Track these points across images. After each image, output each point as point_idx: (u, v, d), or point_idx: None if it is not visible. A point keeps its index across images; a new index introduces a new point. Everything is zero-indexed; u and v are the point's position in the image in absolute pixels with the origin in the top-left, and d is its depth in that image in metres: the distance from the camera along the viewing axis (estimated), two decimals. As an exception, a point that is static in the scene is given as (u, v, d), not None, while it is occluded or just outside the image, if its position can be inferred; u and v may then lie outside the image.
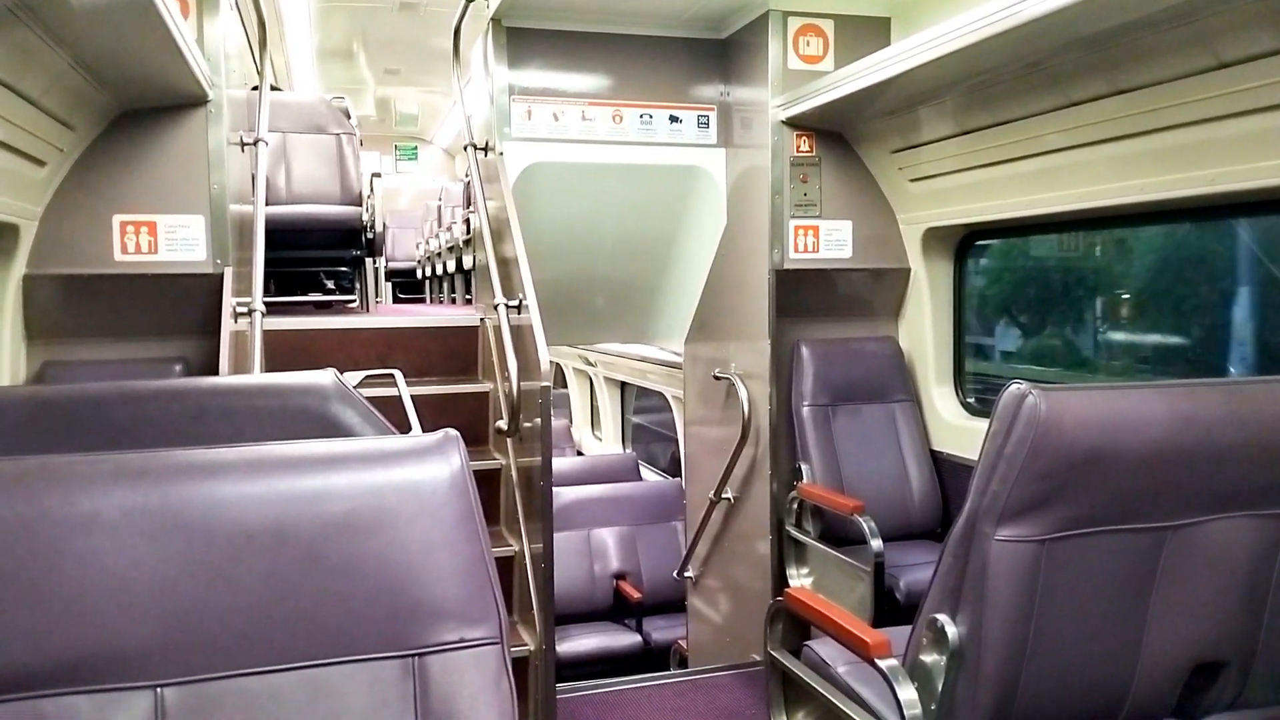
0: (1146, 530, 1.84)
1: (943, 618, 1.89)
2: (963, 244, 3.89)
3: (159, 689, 1.02)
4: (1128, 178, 2.79)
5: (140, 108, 3.09)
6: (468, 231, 6.73)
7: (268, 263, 3.39)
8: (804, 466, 3.76)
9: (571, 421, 9.75)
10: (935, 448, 3.90)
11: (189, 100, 3.12)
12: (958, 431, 3.81)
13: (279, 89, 7.35)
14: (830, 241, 3.87)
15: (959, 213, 3.61)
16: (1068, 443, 1.76)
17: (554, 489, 3.38)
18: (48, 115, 2.63)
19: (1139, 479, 1.81)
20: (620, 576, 6.13)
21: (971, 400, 3.91)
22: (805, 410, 3.81)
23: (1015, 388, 1.78)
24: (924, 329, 3.94)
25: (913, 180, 3.74)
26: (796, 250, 3.83)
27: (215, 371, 3.01)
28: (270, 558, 1.06)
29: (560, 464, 7.08)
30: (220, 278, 3.18)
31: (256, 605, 1.05)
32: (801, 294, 3.89)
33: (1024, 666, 1.84)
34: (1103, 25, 2.42)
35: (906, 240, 3.93)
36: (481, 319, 4.29)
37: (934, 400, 3.91)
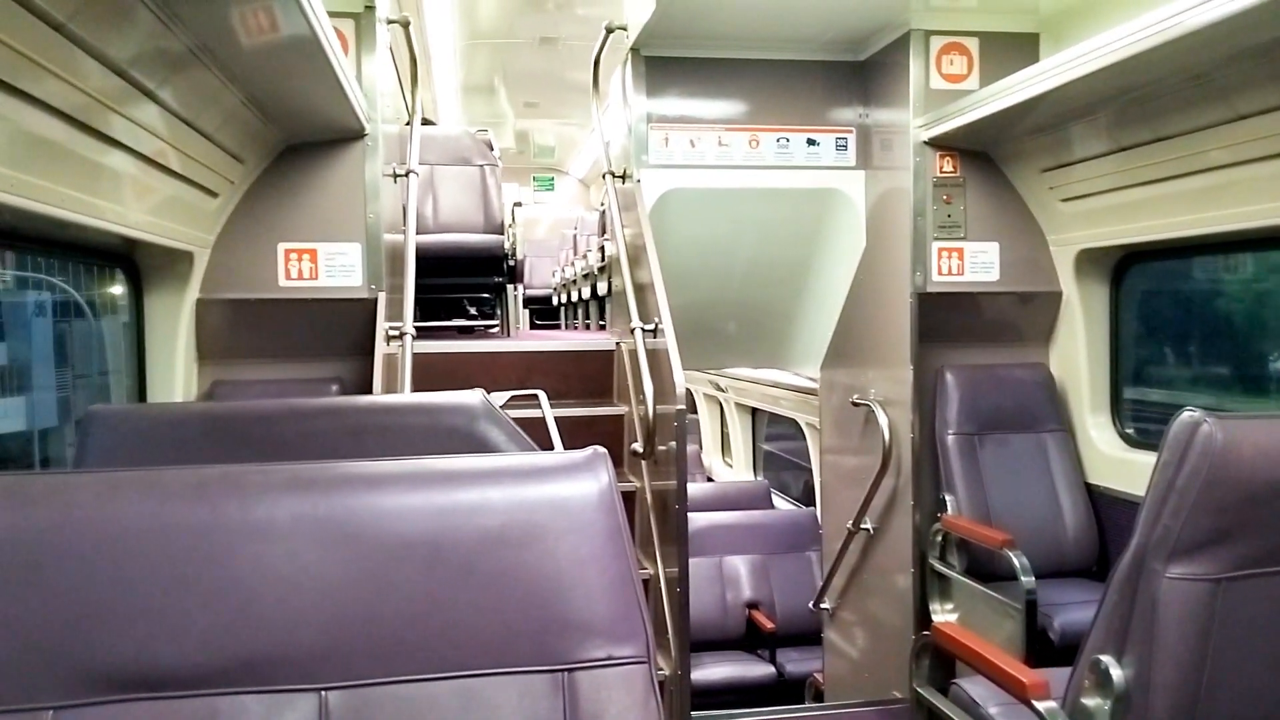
0: (1338, 572, 1.69)
1: (1107, 659, 1.78)
2: (1119, 266, 3.70)
3: (323, 692, 1.06)
4: None
5: (304, 142, 3.28)
6: (602, 259, 6.84)
7: (415, 289, 3.53)
8: (948, 497, 3.63)
9: (701, 448, 9.73)
10: (1090, 480, 3.69)
11: (348, 134, 3.29)
12: (1116, 464, 3.60)
13: (431, 123, 7.69)
14: (976, 264, 3.74)
15: (1115, 233, 3.44)
16: (1246, 474, 1.64)
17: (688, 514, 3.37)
18: (221, 149, 2.83)
19: None
20: (753, 606, 6.05)
21: (1130, 431, 3.69)
22: (950, 439, 3.68)
23: (1188, 415, 1.67)
24: (1077, 355, 3.75)
25: (1064, 200, 3.58)
26: (940, 273, 3.72)
27: (368, 390, 3.14)
28: (428, 568, 1.09)
29: (691, 490, 7.05)
30: (374, 302, 3.33)
31: (415, 614, 1.08)
32: (945, 318, 3.77)
33: (1197, 714, 1.71)
34: (1271, 34, 2.27)
35: (1058, 262, 3.76)
36: (617, 343, 4.34)
37: (1089, 430, 3.71)
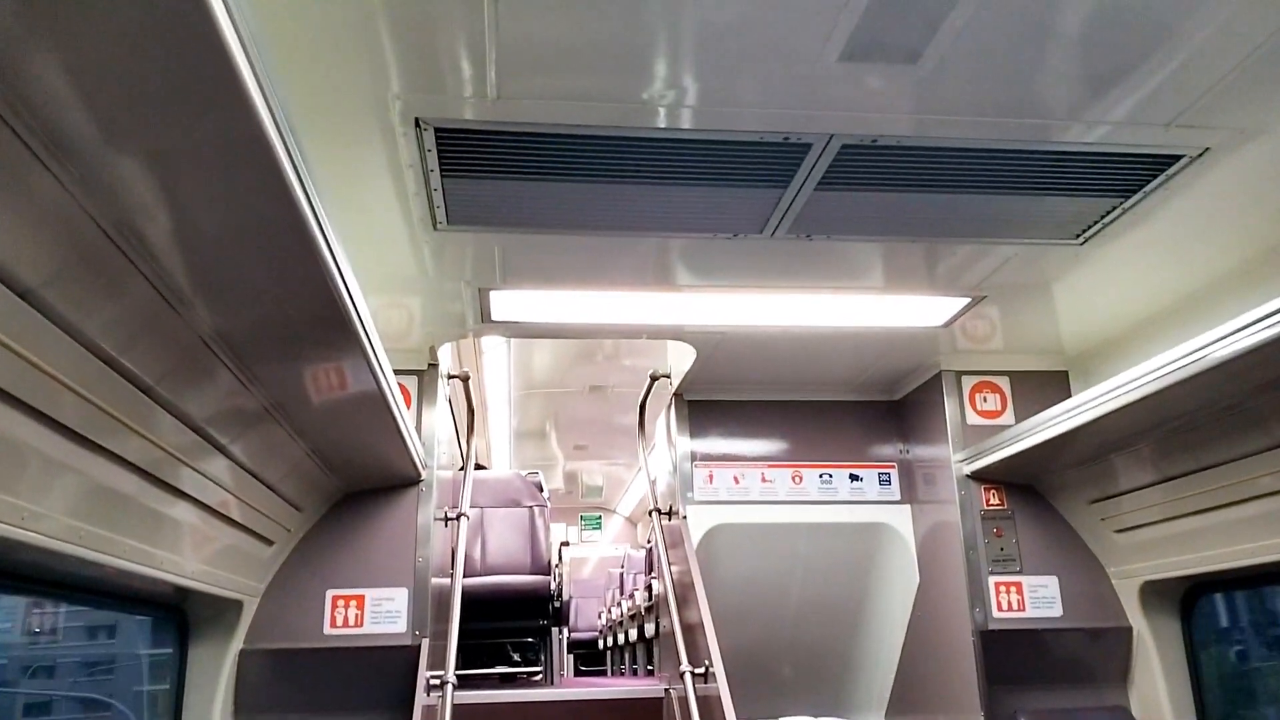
0: None
1: None
2: (1188, 597, 3.54)
3: None
4: None
5: (361, 489, 3.40)
6: (650, 598, 6.71)
7: (459, 633, 3.47)
8: None
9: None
10: (1200, 844, 3.28)
11: (404, 481, 3.42)
12: (1225, 824, 3.22)
13: (484, 466, 7.96)
14: (1036, 599, 3.61)
15: (1176, 564, 3.33)
16: None
17: None
18: (282, 499, 2.94)
19: None
20: None
21: (1236, 785, 3.33)
22: (1035, 797, 3.35)
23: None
24: (1159, 697, 3.48)
25: (1118, 531, 3.52)
26: (1000, 609, 3.59)
27: None
28: None
29: None
30: (416, 649, 3.26)
31: None
32: (1012, 658, 3.57)
33: None
34: None
35: (1122, 596, 3.61)
36: (666, 690, 4.13)
37: (1189, 784, 3.36)
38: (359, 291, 1.96)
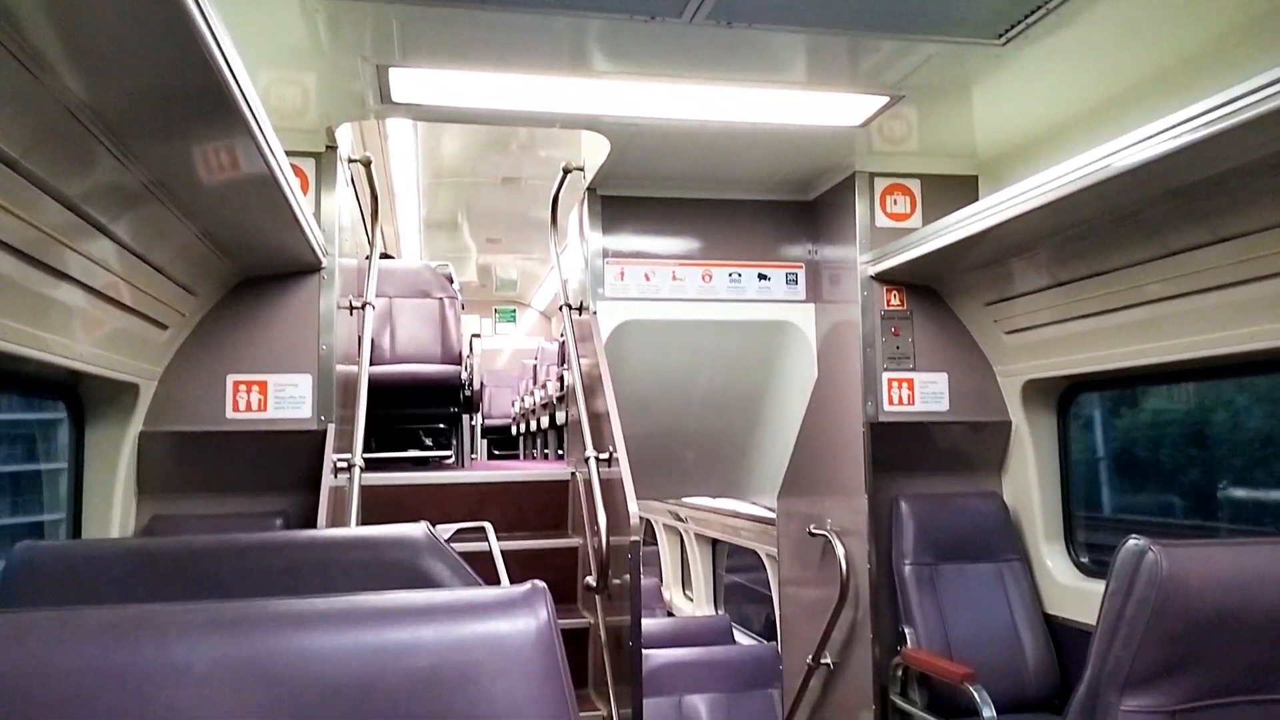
0: (1292, 703, 1.68)
1: (1068, 800, 1.72)
2: (1065, 396, 3.78)
3: None
4: (1236, 326, 2.69)
5: (258, 275, 3.30)
6: (561, 389, 6.86)
7: (370, 420, 3.49)
8: (908, 630, 3.57)
9: (662, 580, 9.54)
10: (1049, 611, 3.66)
11: (304, 268, 3.32)
12: (1072, 593, 3.59)
13: (390, 256, 7.80)
14: (926, 394, 3.81)
15: (1059, 364, 3.53)
16: (1195, 603, 1.64)
17: (644, 651, 3.27)
18: (173, 282, 2.83)
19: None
20: (714, 748, 5.80)
21: (1085, 560, 3.69)
22: (907, 569, 3.66)
23: (1133, 543, 1.68)
24: (1029, 484, 3.79)
25: (1008, 333, 3.68)
26: (891, 403, 3.78)
27: (314, 525, 3.07)
28: (354, 714, 1.04)
29: (650, 625, 6.86)
30: (323, 434, 3.29)
31: None
32: (898, 447, 3.80)
33: None
34: (1196, 176, 2.40)
35: (1005, 393, 3.84)
36: (573, 473, 4.31)
37: (1044, 559, 3.71)
38: (240, 63, 1.81)
